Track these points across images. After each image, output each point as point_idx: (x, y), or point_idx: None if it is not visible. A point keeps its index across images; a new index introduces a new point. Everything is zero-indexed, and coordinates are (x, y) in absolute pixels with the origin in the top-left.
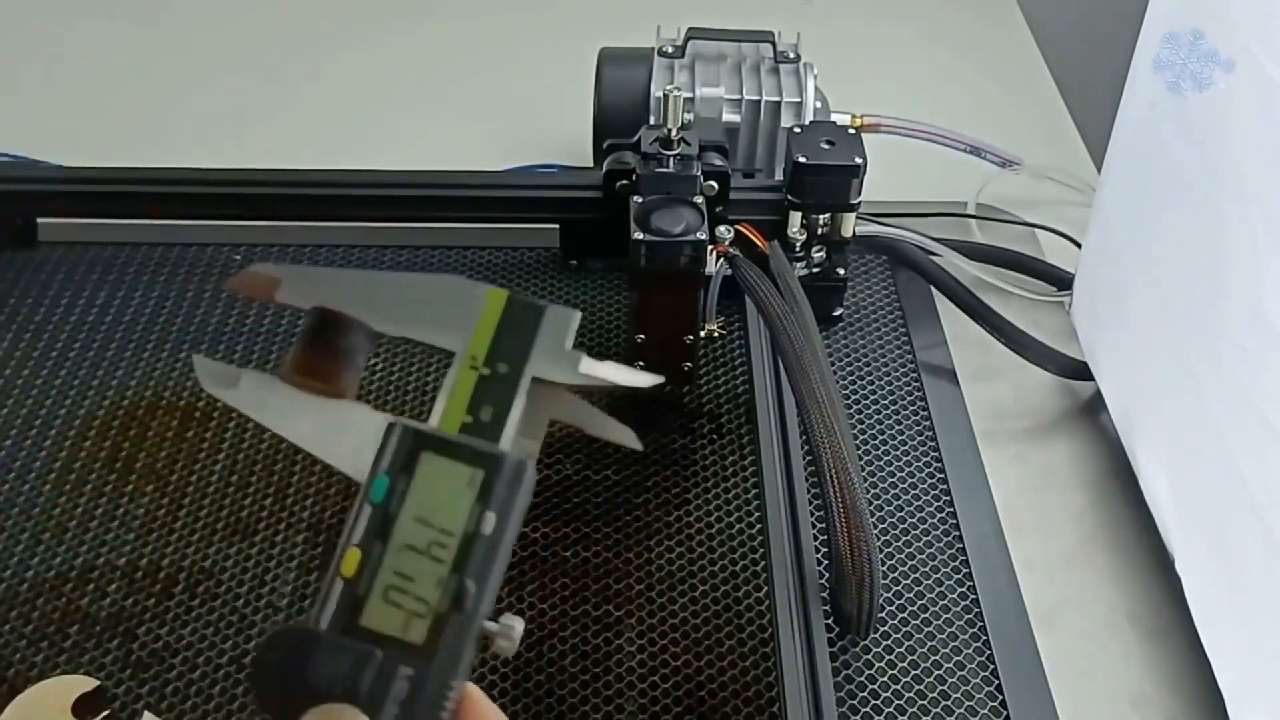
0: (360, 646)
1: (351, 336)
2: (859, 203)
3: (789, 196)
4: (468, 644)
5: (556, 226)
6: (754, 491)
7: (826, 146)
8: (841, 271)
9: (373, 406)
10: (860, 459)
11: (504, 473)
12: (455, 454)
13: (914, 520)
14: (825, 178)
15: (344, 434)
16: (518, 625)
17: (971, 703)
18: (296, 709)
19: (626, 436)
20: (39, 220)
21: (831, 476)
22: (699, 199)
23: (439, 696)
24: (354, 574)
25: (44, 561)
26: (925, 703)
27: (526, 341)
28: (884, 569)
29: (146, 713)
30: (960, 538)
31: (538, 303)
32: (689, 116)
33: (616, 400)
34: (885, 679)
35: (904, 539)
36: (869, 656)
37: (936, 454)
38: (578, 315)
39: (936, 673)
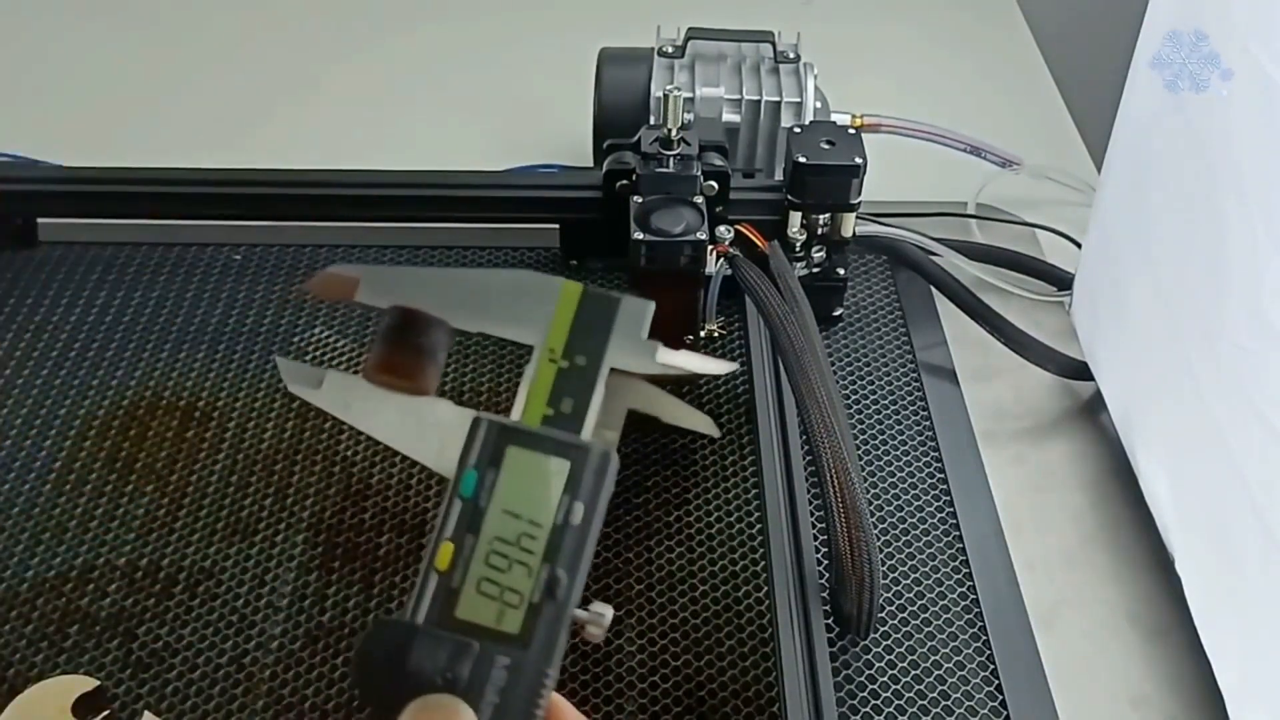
0: (458, 639)
1: (431, 334)
2: (859, 203)
3: (789, 196)
4: (561, 632)
5: (556, 226)
6: (754, 491)
7: (826, 146)
8: (841, 271)
9: (455, 402)
10: (860, 459)
11: (590, 463)
12: (541, 446)
13: (914, 520)
14: (825, 178)
15: (429, 430)
16: (608, 612)
17: (971, 703)
18: (399, 702)
19: (705, 424)
20: (39, 220)
21: (831, 476)
22: (699, 199)
23: (536, 684)
24: (447, 568)
25: (44, 561)
26: (925, 703)
27: (603, 333)
28: (884, 569)
29: (146, 713)
30: (960, 538)
31: (612, 294)
32: (689, 116)
33: None
34: (885, 679)
35: (904, 539)
36: (869, 656)
37: (936, 454)
38: (652, 305)
39: (936, 673)
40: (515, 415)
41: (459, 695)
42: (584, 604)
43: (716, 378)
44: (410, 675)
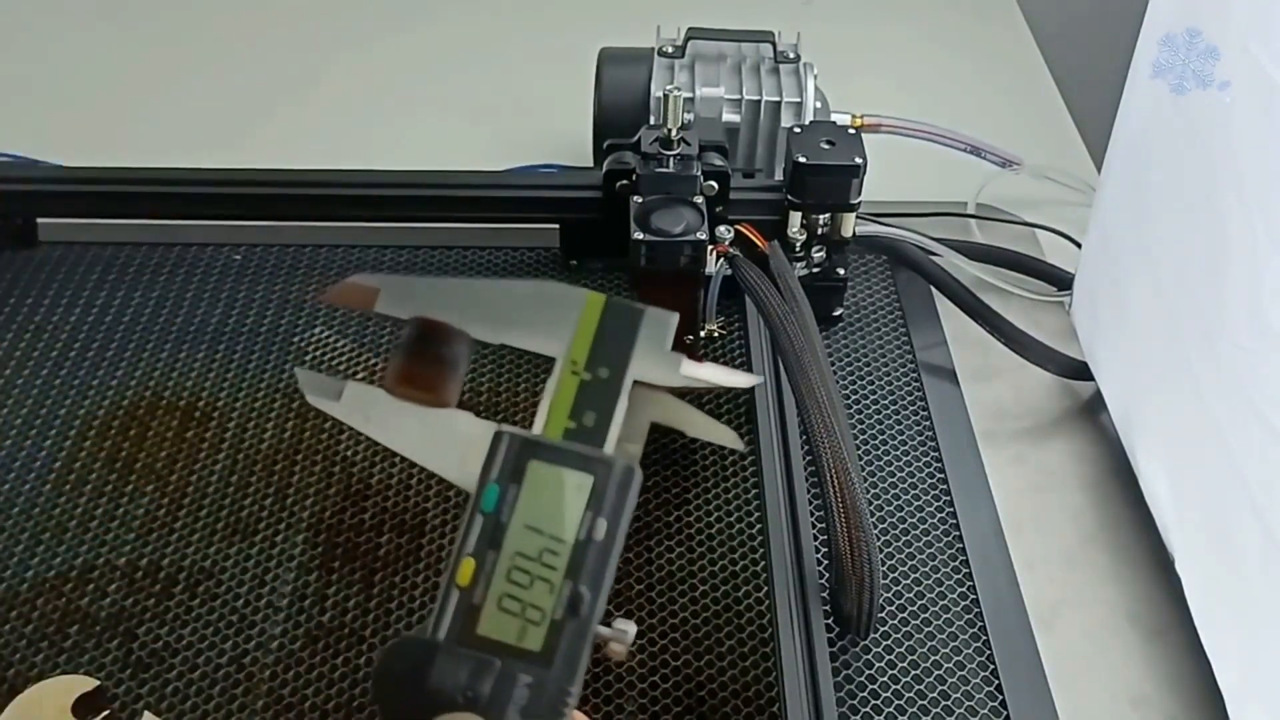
0: (479, 656)
1: (452, 345)
2: (859, 203)
3: (789, 196)
4: (583, 650)
5: (556, 226)
6: (754, 491)
7: (826, 146)
8: (841, 271)
9: (476, 414)
10: (860, 459)
11: (613, 477)
12: (564, 461)
13: (914, 520)
14: (825, 178)
15: (450, 443)
16: (630, 629)
17: (971, 703)
18: (420, 719)
19: (730, 439)
20: (39, 220)
21: (831, 476)
22: (699, 199)
23: (558, 702)
24: (469, 583)
25: (44, 561)
26: (925, 703)
27: (626, 345)
28: (884, 569)
29: (146, 713)
30: (960, 538)
31: (636, 306)
32: (689, 116)
33: None
34: (885, 679)
35: (904, 539)
36: (869, 656)
37: (936, 454)
38: (675, 316)
39: (936, 673)
40: (537, 428)
41: (480, 713)
42: (606, 620)
43: None
44: (431, 693)
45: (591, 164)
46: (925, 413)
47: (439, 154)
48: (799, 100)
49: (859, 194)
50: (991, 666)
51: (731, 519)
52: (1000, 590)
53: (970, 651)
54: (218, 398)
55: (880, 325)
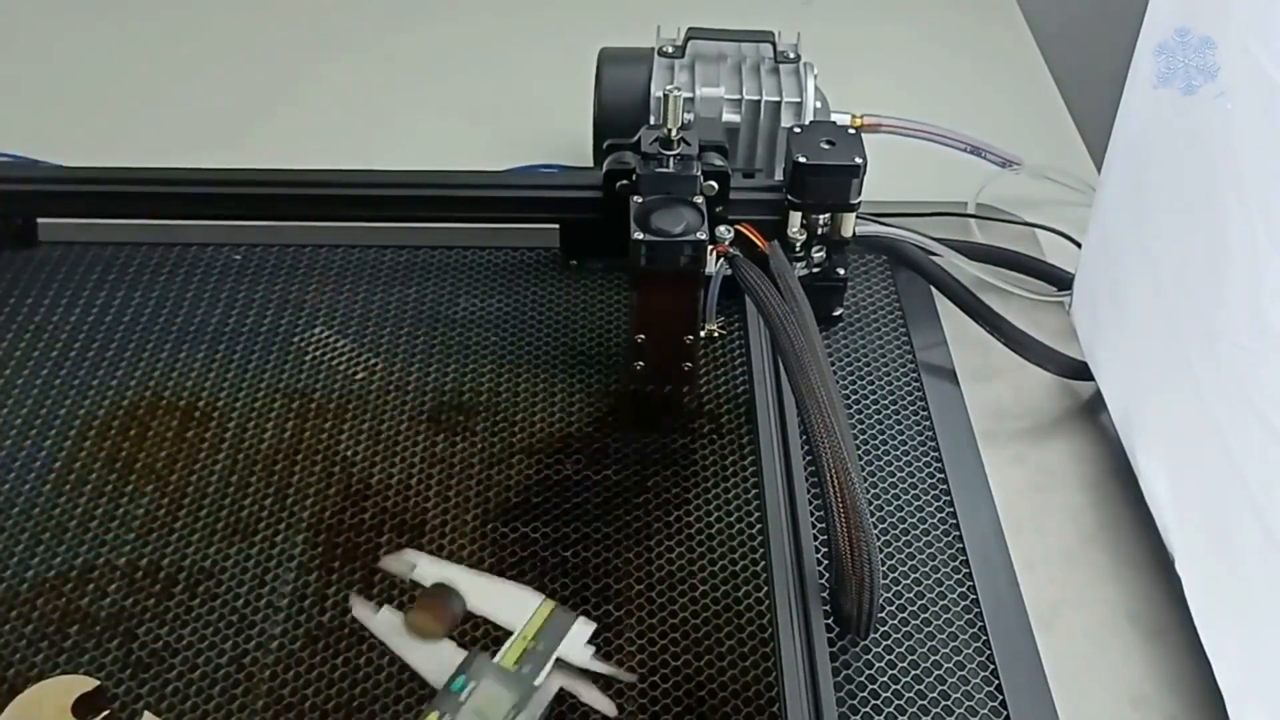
0: None
1: (452, 607)
2: (859, 203)
3: (789, 196)
4: None
5: (556, 226)
6: (754, 491)
7: (826, 146)
8: (841, 271)
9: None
10: (860, 459)
11: (535, 698)
12: (505, 681)
13: (914, 520)
14: (825, 178)
15: (438, 657)
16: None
17: (971, 703)
18: None
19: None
20: (39, 220)
21: (831, 476)
22: (699, 199)
23: None
24: None
25: (44, 561)
26: (925, 703)
27: (556, 639)
28: (884, 569)
29: (146, 713)
30: (960, 538)
31: (568, 613)
32: (689, 116)
33: (619, 400)
34: (885, 679)
35: (904, 539)
36: (869, 656)
37: (936, 454)
38: (591, 628)
39: (936, 673)
40: (500, 655)
41: None
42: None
43: (716, 377)
44: None
45: (591, 164)
46: (925, 413)
47: (439, 154)
48: (799, 100)
49: (859, 194)
50: (991, 666)
51: (731, 519)
52: (1000, 590)
53: (970, 651)
54: (218, 398)
55: (880, 325)
